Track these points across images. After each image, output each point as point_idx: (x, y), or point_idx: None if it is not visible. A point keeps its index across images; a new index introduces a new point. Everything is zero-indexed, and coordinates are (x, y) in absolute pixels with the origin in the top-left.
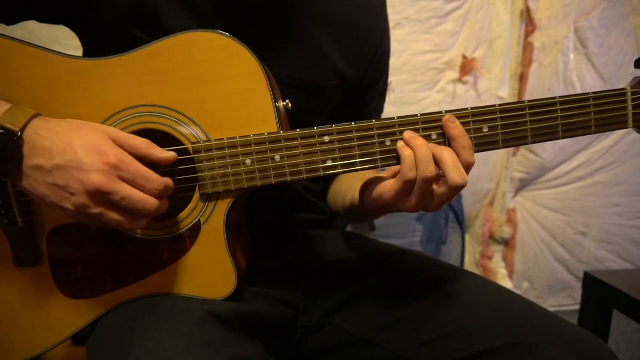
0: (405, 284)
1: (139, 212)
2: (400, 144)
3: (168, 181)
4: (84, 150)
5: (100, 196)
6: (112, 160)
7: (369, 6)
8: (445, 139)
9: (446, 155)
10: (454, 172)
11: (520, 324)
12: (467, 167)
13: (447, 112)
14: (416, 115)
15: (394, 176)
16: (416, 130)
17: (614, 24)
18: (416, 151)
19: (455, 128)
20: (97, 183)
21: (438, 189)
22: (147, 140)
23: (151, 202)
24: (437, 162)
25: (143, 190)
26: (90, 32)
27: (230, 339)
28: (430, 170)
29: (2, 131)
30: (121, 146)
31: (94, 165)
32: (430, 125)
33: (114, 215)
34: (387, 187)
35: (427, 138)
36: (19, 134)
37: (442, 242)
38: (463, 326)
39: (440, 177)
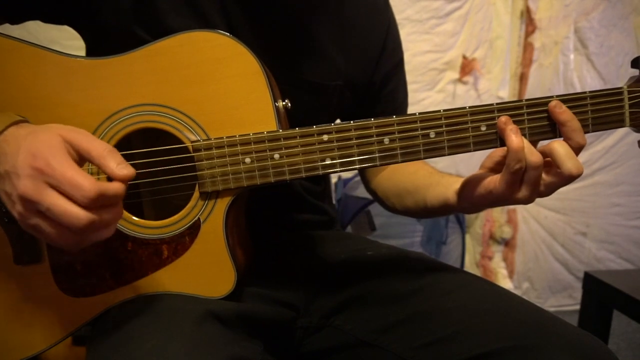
0: (405, 285)
1: (66, 226)
2: (507, 134)
3: (105, 188)
4: (23, 154)
5: (30, 205)
6: (38, 164)
7: (370, 4)
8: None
9: (556, 146)
10: (569, 162)
11: (520, 326)
12: (579, 149)
13: (444, 110)
14: (414, 114)
15: (489, 170)
16: (414, 129)
17: (614, 24)
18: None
19: (564, 113)
20: (22, 189)
21: (548, 177)
22: (108, 147)
23: (77, 214)
24: (547, 154)
25: (72, 199)
26: (93, 31)
27: (229, 338)
28: (536, 156)
29: None
30: (75, 150)
31: (23, 169)
32: (429, 124)
33: (47, 228)
34: (497, 182)
35: (425, 137)
36: None
37: (442, 242)
38: (463, 328)
39: (548, 163)
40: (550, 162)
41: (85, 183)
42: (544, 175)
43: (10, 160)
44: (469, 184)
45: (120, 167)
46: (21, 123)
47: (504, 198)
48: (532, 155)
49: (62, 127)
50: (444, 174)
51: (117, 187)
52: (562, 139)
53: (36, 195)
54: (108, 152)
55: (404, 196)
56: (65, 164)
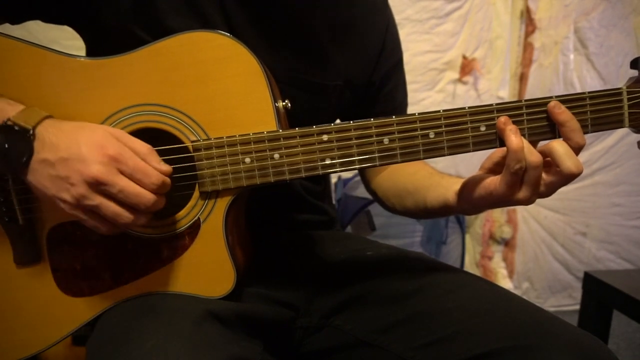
0: (405, 285)
1: (135, 206)
2: (507, 134)
3: (165, 177)
4: (86, 145)
5: (98, 187)
6: (111, 152)
7: (369, 3)
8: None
9: (556, 145)
10: (569, 161)
11: (520, 326)
12: (579, 150)
13: (444, 111)
14: (414, 114)
15: (489, 171)
16: (414, 129)
17: (614, 24)
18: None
19: (563, 113)
20: (95, 174)
21: (548, 177)
22: (149, 146)
23: (148, 196)
24: (546, 154)
25: (141, 185)
26: (93, 31)
27: (229, 338)
28: (535, 156)
29: (16, 128)
30: (124, 145)
31: (94, 157)
32: (429, 124)
33: (112, 207)
34: (497, 183)
35: (425, 137)
36: (31, 131)
37: (442, 242)
38: (463, 328)
39: (548, 163)
40: (550, 162)
41: (153, 172)
42: (544, 175)
43: (68, 150)
44: (469, 185)
45: (161, 165)
46: (50, 117)
47: (505, 199)
48: (532, 155)
49: (104, 126)
50: (444, 175)
51: (169, 180)
52: (561, 139)
53: (110, 178)
54: (150, 151)
55: (404, 197)
56: (134, 155)
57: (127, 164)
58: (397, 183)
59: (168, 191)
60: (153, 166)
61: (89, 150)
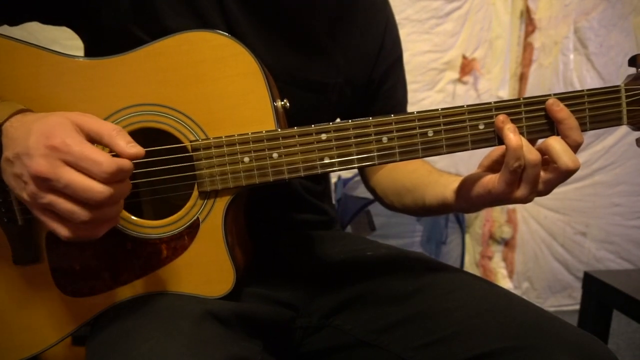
0: (405, 285)
1: (86, 201)
2: (505, 133)
3: (121, 162)
4: (35, 135)
5: (45, 183)
6: (54, 142)
7: (368, 1)
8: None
9: (553, 142)
10: (565, 157)
11: (520, 326)
12: (577, 147)
13: (443, 109)
14: (412, 113)
15: (487, 169)
16: (412, 128)
17: (614, 24)
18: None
19: (561, 111)
20: (37, 168)
21: (546, 174)
22: (117, 128)
23: (97, 188)
24: (544, 151)
25: (90, 175)
26: (92, 32)
27: (228, 338)
28: (534, 154)
29: None
30: (85, 132)
31: (37, 149)
32: (427, 123)
33: (64, 205)
34: (495, 181)
35: (423, 135)
36: None
37: (442, 242)
38: (463, 328)
39: (546, 161)
40: (547, 160)
41: (104, 159)
42: (542, 173)
43: (21, 143)
44: (467, 183)
45: (130, 146)
46: (26, 111)
47: (503, 197)
48: (531, 153)
49: (69, 112)
50: (443, 173)
51: (129, 162)
52: (559, 136)
53: (52, 172)
54: (117, 132)
55: (403, 194)
56: (81, 141)
57: (71, 152)
58: (395, 181)
59: (167, 191)
60: (120, 146)
61: (34, 142)
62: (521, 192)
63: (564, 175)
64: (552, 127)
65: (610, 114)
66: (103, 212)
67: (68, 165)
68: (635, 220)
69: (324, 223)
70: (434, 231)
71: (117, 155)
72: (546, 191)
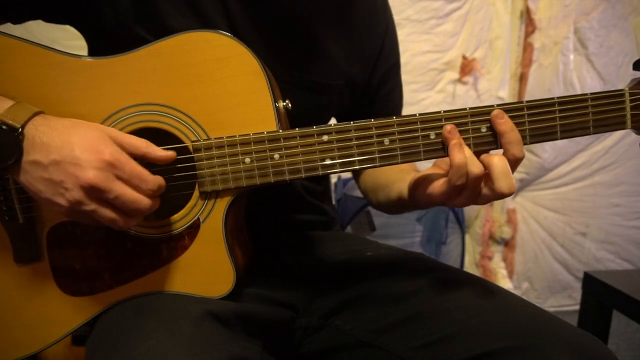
0: (404, 285)
1: (132, 212)
2: (450, 149)
3: (161, 181)
4: (81, 147)
5: (94, 193)
6: (108, 157)
7: (370, 4)
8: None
9: (495, 160)
10: (502, 181)
11: (520, 327)
12: (516, 163)
13: (445, 111)
14: (414, 115)
15: (443, 172)
16: (414, 130)
17: (614, 24)
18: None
19: (504, 123)
20: (92, 180)
21: (484, 189)
22: (146, 140)
23: (145, 202)
24: (485, 167)
25: (137, 190)
26: (94, 31)
27: (228, 338)
28: (477, 167)
29: (4, 127)
30: (120, 145)
31: (90, 162)
32: (429, 125)
33: (108, 213)
34: (437, 189)
35: (425, 137)
36: (20, 129)
37: (442, 242)
38: (463, 328)
39: (487, 176)
40: (488, 175)
41: (150, 177)
42: (481, 186)
43: (61, 152)
44: (416, 183)
45: (165, 152)
46: (41, 114)
47: (442, 204)
48: (474, 166)
49: (99, 125)
50: (411, 171)
51: (163, 181)
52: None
53: (107, 184)
54: (148, 144)
55: (378, 191)
56: (130, 160)
57: (123, 169)
58: (374, 178)
59: (168, 191)
60: (157, 155)
61: (83, 154)
62: (459, 200)
63: (498, 197)
64: (497, 139)
65: (614, 118)
66: (133, 222)
67: (119, 179)
68: (635, 220)
69: (324, 223)
70: (434, 231)
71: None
72: (482, 203)
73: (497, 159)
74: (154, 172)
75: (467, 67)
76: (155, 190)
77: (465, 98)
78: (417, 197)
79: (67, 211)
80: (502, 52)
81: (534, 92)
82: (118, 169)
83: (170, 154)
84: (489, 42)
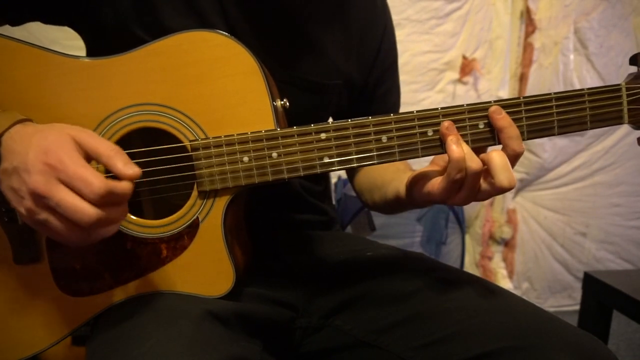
0: (405, 285)
1: (75, 222)
2: (448, 144)
3: (113, 186)
4: (35, 151)
5: (40, 200)
6: (51, 160)
7: (368, 3)
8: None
9: (494, 155)
10: (502, 174)
11: (520, 327)
12: (516, 158)
13: (442, 108)
14: (412, 112)
15: (440, 169)
16: (412, 127)
17: (614, 24)
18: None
19: (502, 119)
20: (33, 184)
21: (484, 184)
22: (115, 148)
23: (87, 211)
24: (485, 162)
25: (81, 195)
26: (92, 32)
27: (228, 338)
28: (476, 163)
29: None
30: (84, 149)
31: (35, 165)
32: (427, 122)
33: (55, 223)
34: (435, 186)
35: (423, 134)
36: None
37: (442, 243)
38: (463, 328)
39: (488, 171)
40: (487, 170)
41: (95, 180)
42: (481, 182)
43: (20, 157)
44: (414, 181)
45: (127, 167)
46: (26, 122)
47: (441, 201)
48: (473, 162)
49: (69, 126)
50: (407, 171)
51: (124, 185)
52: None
53: (47, 190)
54: (115, 152)
55: (373, 191)
56: (77, 161)
57: (65, 171)
58: (370, 178)
59: (166, 191)
60: (117, 167)
61: (33, 158)
62: (459, 198)
63: (498, 191)
64: (494, 135)
65: (611, 113)
66: (96, 233)
67: (63, 184)
68: (635, 220)
69: (323, 223)
70: (434, 231)
71: (114, 177)
72: (482, 199)
73: (496, 154)
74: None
75: (467, 67)
76: (103, 196)
77: (466, 98)
78: (414, 196)
79: (28, 222)
80: (502, 52)
81: (534, 92)
82: (59, 171)
83: (134, 171)
84: (489, 42)
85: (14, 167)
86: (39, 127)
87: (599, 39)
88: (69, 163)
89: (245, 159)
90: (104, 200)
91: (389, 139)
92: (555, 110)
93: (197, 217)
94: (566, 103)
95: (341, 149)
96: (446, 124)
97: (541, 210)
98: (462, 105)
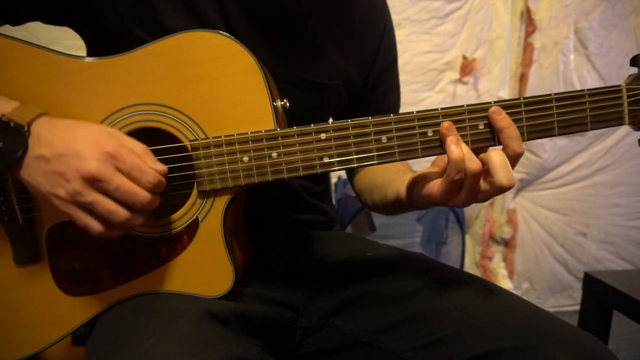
0: (405, 286)
1: (131, 204)
2: (447, 145)
3: (162, 177)
4: (83, 141)
5: (94, 184)
6: (109, 149)
7: (368, 3)
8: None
9: (493, 155)
10: (501, 173)
11: (520, 327)
12: (516, 158)
13: (442, 109)
14: (412, 113)
15: (441, 171)
16: (412, 128)
17: (614, 24)
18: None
19: (502, 119)
20: (92, 170)
21: (484, 185)
22: (144, 146)
23: (144, 194)
24: (484, 162)
25: (137, 183)
26: (92, 32)
27: (228, 338)
28: (475, 164)
29: (11, 124)
30: (120, 143)
31: (92, 154)
32: (427, 122)
33: (107, 204)
34: (435, 188)
35: (423, 135)
36: (26, 127)
37: (442, 243)
38: (463, 328)
39: (487, 171)
40: (487, 171)
41: (151, 170)
42: (481, 182)
43: (65, 144)
44: (414, 183)
45: (157, 164)
46: (45, 114)
47: (442, 203)
48: (472, 162)
49: (101, 125)
50: (408, 172)
51: (164, 179)
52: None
53: (107, 174)
54: (146, 151)
55: (373, 192)
56: (132, 153)
57: (124, 161)
58: (370, 179)
59: (166, 190)
60: (149, 166)
61: (85, 147)
62: (459, 199)
63: (498, 190)
64: (494, 136)
65: (611, 114)
66: (135, 218)
67: (119, 171)
68: (635, 220)
69: (323, 223)
70: (434, 231)
71: None
72: (482, 200)
73: (495, 153)
74: None
75: (467, 67)
76: (156, 185)
77: (466, 98)
78: (414, 197)
79: (65, 203)
80: (502, 52)
81: (534, 92)
82: (119, 161)
83: (163, 167)
84: (489, 42)
85: (58, 154)
86: (70, 121)
87: (599, 39)
88: (126, 154)
89: (245, 158)
90: (155, 189)
91: (389, 139)
92: (555, 111)
93: (197, 217)
94: (566, 104)
95: (341, 149)
96: (446, 124)
97: (541, 210)
98: (462, 106)
